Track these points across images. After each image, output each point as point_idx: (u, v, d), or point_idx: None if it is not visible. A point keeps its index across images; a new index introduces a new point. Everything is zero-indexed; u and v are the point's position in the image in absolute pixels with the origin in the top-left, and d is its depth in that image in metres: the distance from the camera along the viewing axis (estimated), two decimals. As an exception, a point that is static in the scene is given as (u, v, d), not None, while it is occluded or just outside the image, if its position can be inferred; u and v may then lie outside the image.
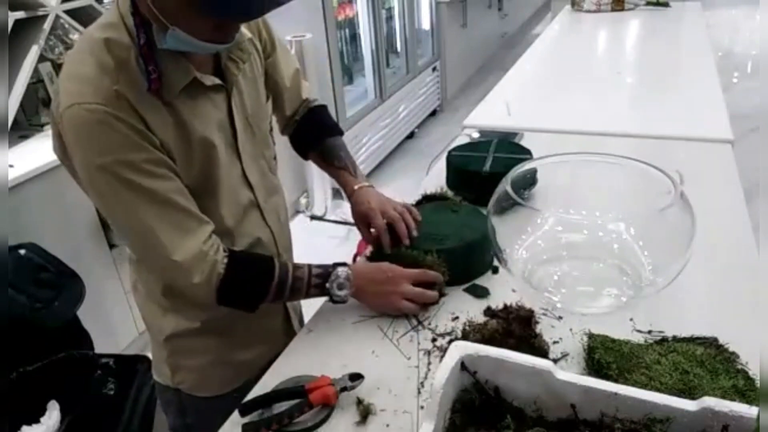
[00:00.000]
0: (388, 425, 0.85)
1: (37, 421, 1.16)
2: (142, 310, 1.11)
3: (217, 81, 0.95)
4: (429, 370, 0.94)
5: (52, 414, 1.18)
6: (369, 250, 1.21)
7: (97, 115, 0.82)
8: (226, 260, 0.95)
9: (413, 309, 1.05)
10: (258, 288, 0.98)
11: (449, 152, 1.52)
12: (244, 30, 1.01)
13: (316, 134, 1.24)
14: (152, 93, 0.86)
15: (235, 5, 0.78)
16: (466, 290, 1.12)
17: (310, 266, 1.03)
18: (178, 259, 0.90)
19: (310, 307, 1.16)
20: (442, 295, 1.10)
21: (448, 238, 1.15)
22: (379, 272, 1.07)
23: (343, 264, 1.05)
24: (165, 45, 0.84)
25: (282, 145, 1.27)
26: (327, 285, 1.02)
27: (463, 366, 0.68)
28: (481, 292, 1.11)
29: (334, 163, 1.23)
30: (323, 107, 1.28)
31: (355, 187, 1.20)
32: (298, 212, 3.57)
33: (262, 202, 1.08)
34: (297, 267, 1.02)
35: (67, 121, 0.83)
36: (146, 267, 1.03)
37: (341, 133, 1.27)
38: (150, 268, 1.01)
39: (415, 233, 1.15)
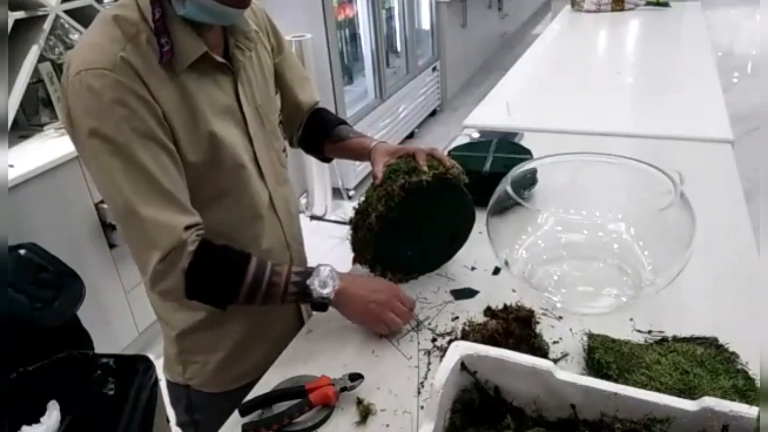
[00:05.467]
0: (388, 425, 0.85)
1: (37, 421, 1.16)
2: (155, 306, 1.12)
3: (225, 61, 0.98)
4: (429, 370, 0.94)
5: (52, 414, 1.17)
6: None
7: (102, 80, 0.83)
8: (197, 243, 0.91)
9: (398, 324, 1.00)
10: (231, 278, 0.94)
11: (449, 152, 1.52)
12: (251, 22, 1.04)
13: (328, 126, 1.26)
14: (162, 65, 0.88)
15: None
16: (454, 294, 1.12)
17: (290, 266, 0.98)
18: (149, 233, 0.88)
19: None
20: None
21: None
22: (370, 282, 1.03)
23: (327, 265, 1.00)
24: (184, 12, 0.88)
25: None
26: (308, 282, 0.96)
27: (463, 366, 0.68)
28: (468, 294, 1.11)
29: (350, 135, 1.23)
30: (326, 109, 1.31)
31: (375, 143, 1.18)
32: (297, 212, 3.57)
33: (272, 190, 1.09)
34: (276, 265, 0.96)
35: (73, 87, 0.85)
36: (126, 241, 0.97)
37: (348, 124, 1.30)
38: (127, 242, 0.95)
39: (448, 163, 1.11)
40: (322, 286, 0.96)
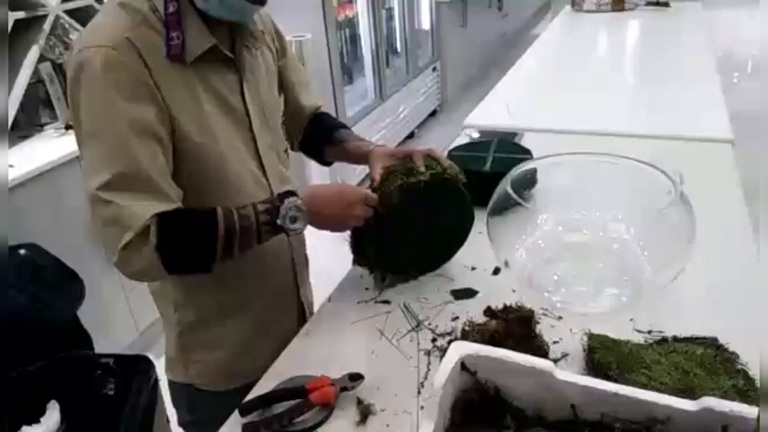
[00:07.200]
0: (388, 425, 0.85)
1: (37, 421, 1.16)
2: (157, 305, 1.12)
3: (231, 55, 0.98)
4: (429, 370, 0.94)
5: (52, 414, 1.17)
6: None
7: (104, 55, 0.84)
8: (156, 219, 0.86)
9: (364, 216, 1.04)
10: (204, 234, 0.90)
11: (449, 152, 1.52)
12: (257, 21, 1.05)
13: (328, 130, 1.26)
14: (170, 59, 0.89)
15: None
16: (453, 294, 1.12)
17: (254, 204, 0.94)
18: (118, 217, 0.85)
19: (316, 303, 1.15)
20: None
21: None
22: (337, 195, 1.03)
23: (291, 193, 0.96)
24: (205, 6, 0.90)
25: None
26: (278, 222, 0.94)
27: (463, 366, 0.68)
28: (468, 294, 1.11)
29: (349, 139, 1.24)
30: (328, 114, 1.31)
31: (373, 146, 1.19)
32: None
33: (274, 189, 1.09)
34: (241, 207, 0.93)
35: (73, 65, 0.85)
36: (94, 226, 0.92)
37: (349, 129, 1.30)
38: (95, 226, 0.92)
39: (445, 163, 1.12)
40: (293, 221, 0.95)
